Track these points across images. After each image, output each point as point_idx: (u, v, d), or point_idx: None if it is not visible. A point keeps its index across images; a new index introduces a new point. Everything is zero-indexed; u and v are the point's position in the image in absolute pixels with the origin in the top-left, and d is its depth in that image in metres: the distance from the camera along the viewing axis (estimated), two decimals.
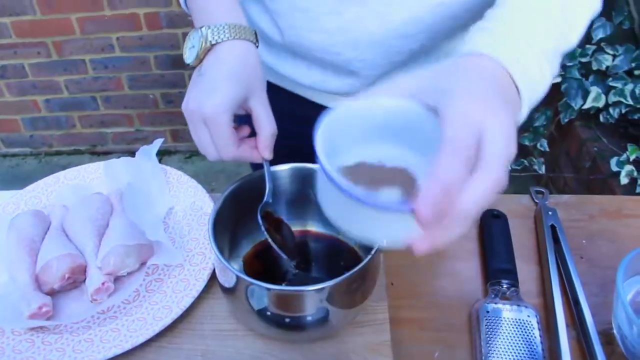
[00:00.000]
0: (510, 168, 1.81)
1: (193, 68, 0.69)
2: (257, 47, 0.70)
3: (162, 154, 2.87)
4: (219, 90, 0.64)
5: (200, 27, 0.67)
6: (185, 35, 2.44)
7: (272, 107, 0.69)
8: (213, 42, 0.66)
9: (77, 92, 2.69)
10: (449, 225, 0.46)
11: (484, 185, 0.45)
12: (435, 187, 0.44)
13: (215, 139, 0.65)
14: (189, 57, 0.69)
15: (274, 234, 0.71)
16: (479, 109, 0.48)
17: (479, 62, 0.55)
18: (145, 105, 2.74)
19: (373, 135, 0.56)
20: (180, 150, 2.90)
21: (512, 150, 0.48)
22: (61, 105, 2.75)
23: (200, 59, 0.67)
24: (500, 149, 0.47)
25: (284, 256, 0.69)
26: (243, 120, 0.70)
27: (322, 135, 0.51)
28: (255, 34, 0.70)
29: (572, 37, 0.66)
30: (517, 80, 0.55)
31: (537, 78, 0.58)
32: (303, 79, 0.92)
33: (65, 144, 2.91)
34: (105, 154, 2.91)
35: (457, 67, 0.55)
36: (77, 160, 2.89)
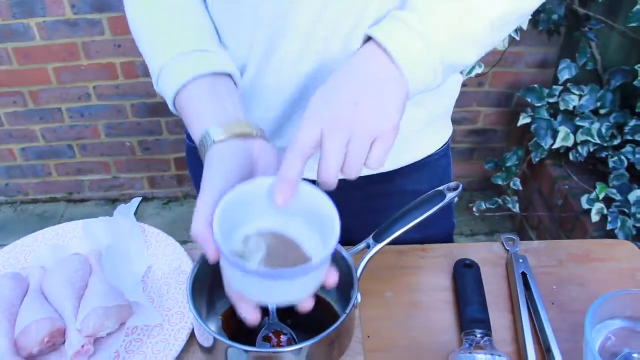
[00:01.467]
0: (484, 208, 1.82)
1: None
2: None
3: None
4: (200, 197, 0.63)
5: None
6: None
7: None
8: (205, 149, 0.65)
9: (54, 141, 2.69)
10: None
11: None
12: (281, 181, 0.58)
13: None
14: None
15: None
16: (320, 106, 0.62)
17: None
18: (122, 153, 2.74)
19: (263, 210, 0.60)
20: (158, 197, 2.89)
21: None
22: (37, 154, 2.74)
23: None
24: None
25: None
26: None
27: (219, 219, 0.55)
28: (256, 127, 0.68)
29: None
30: (396, 58, 0.64)
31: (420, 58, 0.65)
32: None
33: (41, 192, 2.89)
34: (82, 202, 2.89)
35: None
36: (53, 208, 2.87)
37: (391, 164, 0.94)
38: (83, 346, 0.74)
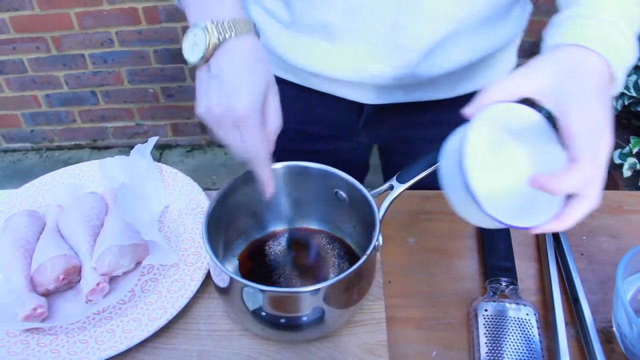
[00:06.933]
0: None
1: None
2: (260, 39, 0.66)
3: (163, 148, 2.86)
4: (244, 89, 0.60)
5: (203, 24, 0.61)
6: (184, 29, 2.42)
7: None
8: (221, 39, 0.61)
9: (77, 87, 2.68)
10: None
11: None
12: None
13: (248, 140, 0.60)
14: (193, 55, 0.63)
15: None
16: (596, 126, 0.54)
17: (581, 58, 0.59)
18: (146, 100, 2.73)
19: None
20: (181, 144, 2.89)
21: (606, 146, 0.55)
22: (61, 100, 2.74)
23: (207, 58, 0.62)
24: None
25: None
26: None
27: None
28: (255, 26, 0.66)
29: None
30: (612, 62, 0.59)
31: (625, 49, 0.61)
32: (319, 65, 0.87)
33: (66, 139, 2.91)
34: (106, 149, 2.90)
35: (567, 68, 0.58)
36: (78, 155, 2.88)
37: (449, 92, 0.89)
38: (98, 284, 0.73)
